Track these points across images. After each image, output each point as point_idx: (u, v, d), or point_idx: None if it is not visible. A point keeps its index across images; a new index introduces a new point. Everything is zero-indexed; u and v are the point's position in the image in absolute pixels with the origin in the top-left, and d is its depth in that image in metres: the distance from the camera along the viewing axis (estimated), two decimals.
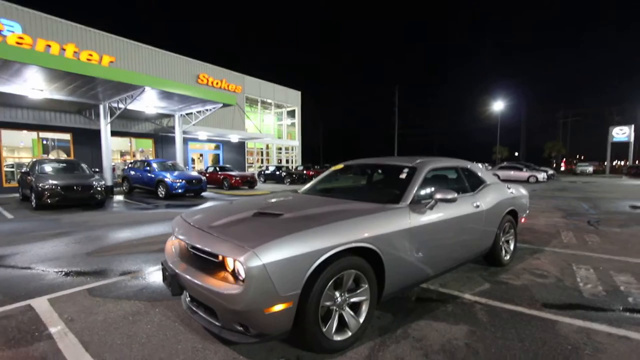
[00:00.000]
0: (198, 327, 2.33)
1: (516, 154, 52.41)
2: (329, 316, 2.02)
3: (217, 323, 1.93)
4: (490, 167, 29.03)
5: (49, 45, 12.78)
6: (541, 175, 20.74)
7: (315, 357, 1.97)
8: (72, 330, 2.30)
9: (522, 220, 4.20)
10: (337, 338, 2.02)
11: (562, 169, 46.71)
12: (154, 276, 3.43)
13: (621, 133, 34.26)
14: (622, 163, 43.37)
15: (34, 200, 8.20)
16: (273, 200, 2.98)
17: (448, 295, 2.97)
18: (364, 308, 2.18)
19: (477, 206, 3.18)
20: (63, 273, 3.55)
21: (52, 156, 14.08)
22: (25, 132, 13.32)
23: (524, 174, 21.07)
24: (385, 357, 1.99)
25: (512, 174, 21.26)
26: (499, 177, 21.45)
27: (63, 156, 14.31)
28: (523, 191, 4.29)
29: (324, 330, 1.95)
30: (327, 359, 1.96)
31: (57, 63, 9.06)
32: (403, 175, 2.91)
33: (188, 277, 1.97)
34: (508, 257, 3.81)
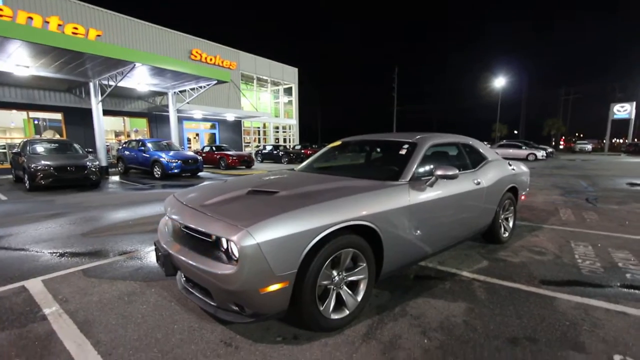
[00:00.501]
0: (194, 306, 2.31)
1: (515, 131, 52.11)
2: (326, 295, 1.99)
3: (212, 303, 1.90)
4: (489, 145, 28.88)
5: (31, 18, 12.19)
6: (540, 153, 20.69)
7: (312, 336, 1.96)
8: (67, 311, 2.27)
9: (522, 197, 4.16)
10: (335, 317, 2.00)
11: (562, 147, 46.60)
12: (149, 256, 3.39)
13: (622, 110, 33.94)
14: (621, 141, 43.26)
15: (27, 182, 8.06)
16: (268, 178, 2.89)
17: (446, 272, 2.95)
18: (362, 287, 2.14)
19: (478, 183, 3.11)
20: (58, 254, 3.50)
21: (45, 136, 13.80)
22: (14, 111, 12.97)
23: (523, 152, 21.01)
24: (382, 335, 1.97)
25: (512, 152, 21.18)
26: None
27: (57, 136, 14.04)
28: (524, 168, 4.22)
29: (322, 309, 1.92)
30: (325, 338, 1.94)
31: (41, 37, 8.63)
32: (403, 152, 2.81)
33: (181, 257, 1.91)
34: (507, 234, 3.79)
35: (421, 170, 2.67)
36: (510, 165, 3.85)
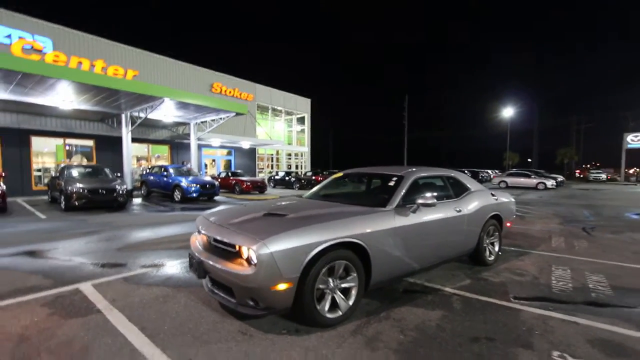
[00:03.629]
0: (217, 307, 2.83)
1: (529, 160, 51.79)
2: (323, 297, 2.49)
3: (233, 300, 2.43)
4: (499, 174, 28.96)
5: (81, 62, 13.85)
6: (550, 183, 20.71)
7: (310, 330, 2.44)
8: (116, 307, 2.83)
9: (508, 224, 4.58)
10: (329, 316, 2.49)
11: (578, 175, 45.92)
12: (176, 268, 3.96)
13: (636, 139, 33.68)
14: (638, 170, 42.39)
15: (63, 202, 8.93)
16: (280, 203, 3.49)
17: (431, 288, 3.39)
18: (353, 293, 2.64)
19: (459, 211, 3.60)
20: (100, 264, 4.12)
21: (74, 161, 15.02)
22: (52, 139, 14.30)
23: (533, 180, 21.09)
24: (367, 332, 2.44)
25: (522, 180, 21.34)
26: (507, 184, 21.52)
27: (84, 161, 15.23)
28: (509, 198, 4.68)
29: (319, 307, 2.42)
30: (320, 332, 2.42)
31: (89, 78, 9.94)
32: (392, 183, 3.37)
33: (211, 262, 2.48)
34: (492, 257, 4.19)
35: (407, 198, 3.21)
36: (493, 195, 4.33)
